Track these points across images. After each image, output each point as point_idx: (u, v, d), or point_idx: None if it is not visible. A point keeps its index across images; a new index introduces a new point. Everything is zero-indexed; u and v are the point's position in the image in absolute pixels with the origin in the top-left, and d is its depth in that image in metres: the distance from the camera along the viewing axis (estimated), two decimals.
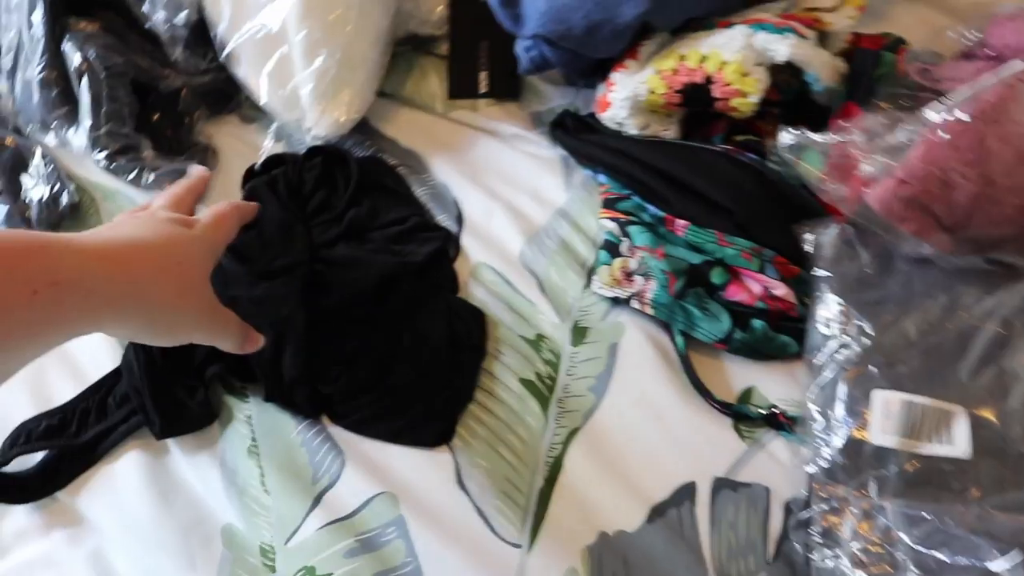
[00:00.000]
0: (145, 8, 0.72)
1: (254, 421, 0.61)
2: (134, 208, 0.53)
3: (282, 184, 0.66)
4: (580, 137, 0.67)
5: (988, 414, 0.49)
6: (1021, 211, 0.50)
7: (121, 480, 0.60)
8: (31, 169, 0.73)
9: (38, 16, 0.70)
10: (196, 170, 0.57)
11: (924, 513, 0.47)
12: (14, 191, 0.72)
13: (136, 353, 0.61)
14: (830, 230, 0.58)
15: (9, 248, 0.37)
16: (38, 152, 0.73)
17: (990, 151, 0.47)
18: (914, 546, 0.46)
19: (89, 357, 0.66)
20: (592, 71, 0.68)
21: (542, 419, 0.59)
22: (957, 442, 0.48)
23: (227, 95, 0.77)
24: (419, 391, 0.59)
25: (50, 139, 0.75)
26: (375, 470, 0.58)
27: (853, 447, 0.51)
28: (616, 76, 0.64)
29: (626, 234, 0.61)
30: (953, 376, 0.50)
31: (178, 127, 0.75)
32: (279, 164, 0.69)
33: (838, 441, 0.51)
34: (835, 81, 0.61)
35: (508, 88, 0.74)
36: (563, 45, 0.63)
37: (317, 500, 0.58)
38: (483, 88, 0.74)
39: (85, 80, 0.69)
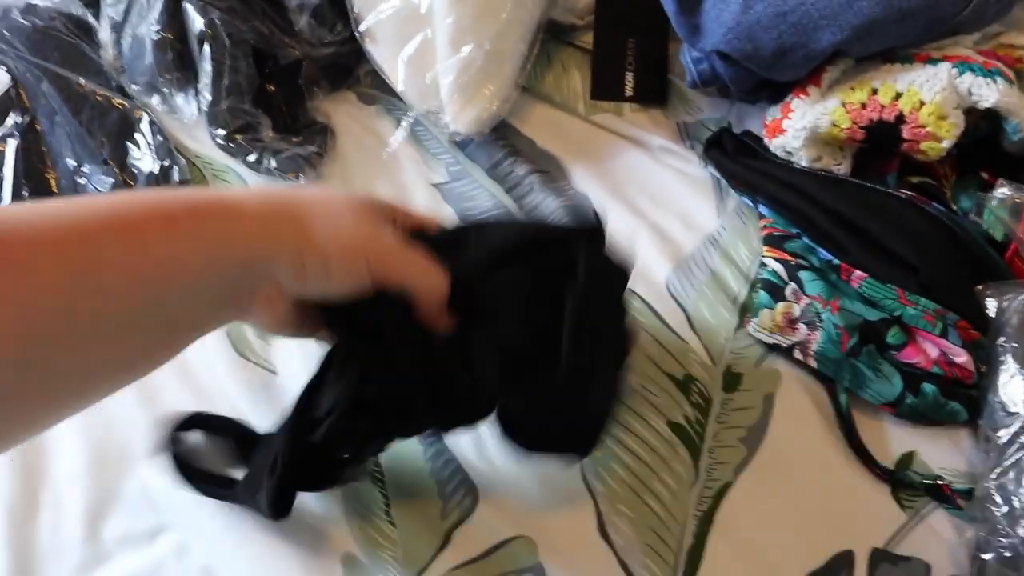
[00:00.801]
0: None
1: None
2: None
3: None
4: (740, 161, 0.64)
5: None
6: None
7: None
8: (138, 137, 0.68)
9: None
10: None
11: None
12: (120, 158, 0.68)
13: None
14: (1019, 296, 0.55)
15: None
16: (145, 119, 0.69)
17: None
18: None
19: (197, 356, 0.63)
20: (757, 89, 0.63)
21: (692, 469, 0.57)
22: None
23: (347, 70, 0.72)
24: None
25: (156, 102, 0.71)
26: (510, 510, 0.56)
27: None
28: (796, 103, 0.60)
29: (794, 279, 0.58)
30: None
31: (294, 102, 0.71)
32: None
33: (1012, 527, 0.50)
34: None
35: (656, 93, 0.70)
36: (744, 64, 0.59)
37: (447, 537, 0.56)
38: (629, 91, 0.70)
39: (207, 48, 0.65)
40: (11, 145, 0.68)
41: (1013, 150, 0.59)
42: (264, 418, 0.60)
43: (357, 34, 0.67)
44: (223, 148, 0.66)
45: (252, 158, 0.65)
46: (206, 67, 0.65)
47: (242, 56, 0.65)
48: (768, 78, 0.60)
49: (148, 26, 0.67)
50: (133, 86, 0.72)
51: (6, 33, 0.71)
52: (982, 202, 0.56)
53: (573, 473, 0.57)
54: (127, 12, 0.69)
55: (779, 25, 0.56)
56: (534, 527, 0.55)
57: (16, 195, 0.66)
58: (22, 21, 0.72)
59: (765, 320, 0.59)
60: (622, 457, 0.57)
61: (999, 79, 0.55)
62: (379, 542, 0.56)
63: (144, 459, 0.59)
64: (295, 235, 0.41)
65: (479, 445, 0.58)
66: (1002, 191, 0.53)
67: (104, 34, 0.73)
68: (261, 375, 0.63)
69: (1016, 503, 0.50)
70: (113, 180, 0.67)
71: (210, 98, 0.65)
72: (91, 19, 0.75)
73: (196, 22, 0.65)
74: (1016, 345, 0.54)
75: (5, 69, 0.70)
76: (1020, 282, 0.55)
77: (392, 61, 0.66)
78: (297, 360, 0.62)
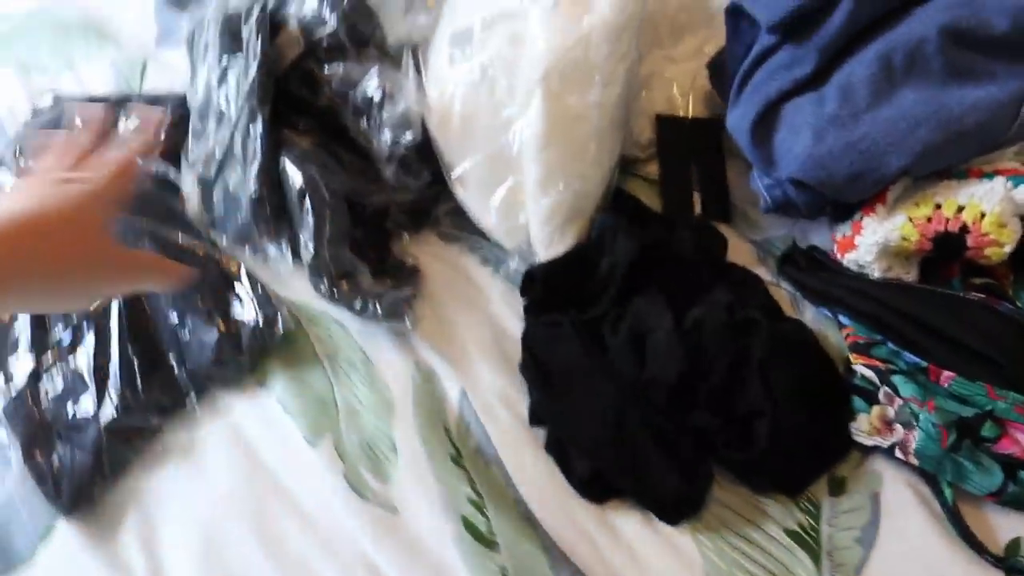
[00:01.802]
0: (364, 126, 0.73)
1: (510, 574, 0.62)
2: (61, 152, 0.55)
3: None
4: (815, 275, 0.70)
5: None
6: None
7: None
8: (238, 289, 0.73)
9: (258, 129, 0.71)
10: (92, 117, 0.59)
11: None
12: (223, 310, 0.72)
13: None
14: None
15: None
16: (243, 270, 0.74)
17: None
18: None
19: (315, 500, 0.66)
20: (822, 208, 0.70)
21: (815, 573, 0.60)
22: None
23: (427, 211, 0.78)
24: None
25: (247, 254, 0.76)
26: None
27: None
28: (866, 221, 0.67)
29: (887, 383, 0.64)
30: None
31: (382, 246, 0.76)
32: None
33: None
34: None
35: (722, 211, 0.76)
36: (818, 190, 0.65)
37: None
38: (697, 209, 0.76)
39: (308, 201, 0.70)
40: (116, 304, 0.72)
41: None
42: (391, 559, 0.63)
43: (449, 181, 0.73)
44: (327, 297, 0.71)
45: (357, 305, 0.70)
46: (308, 220, 0.70)
47: (340, 208, 0.71)
48: (842, 201, 0.66)
49: (245, 183, 0.72)
50: (224, 239, 0.76)
51: None
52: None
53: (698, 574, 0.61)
54: (219, 170, 0.75)
55: (850, 154, 0.64)
56: None
57: (123, 351, 0.70)
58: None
59: (864, 424, 0.64)
60: (748, 567, 0.61)
61: None
62: None
63: None
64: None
65: (612, 562, 0.62)
66: None
67: (189, 189, 0.78)
68: (382, 515, 0.65)
69: None
70: (217, 332, 0.71)
71: (313, 250, 0.70)
72: (173, 176, 0.80)
73: (295, 179, 0.71)
74: None
75: None
76: None
77: (483, 204, 0.72)
78: (418, 495, 0.65)
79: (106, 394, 0.69)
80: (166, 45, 0.98)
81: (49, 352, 0.71)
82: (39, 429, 0.68)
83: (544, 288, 0.71)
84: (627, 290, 0.69)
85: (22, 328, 0.71)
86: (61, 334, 0.71)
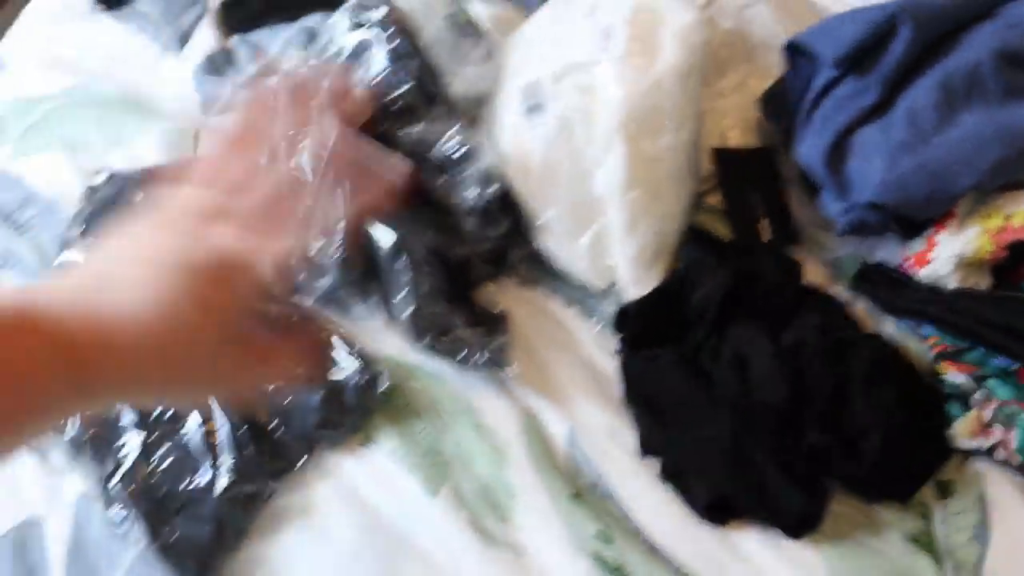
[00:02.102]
0: (442, 182, 0.76)
1: None
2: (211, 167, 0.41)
3: None
4: (893, 290, 0.74)
5: None
6: None
7: None
8: (336, 352, 0.74)
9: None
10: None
11: None
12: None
13: None
14: None
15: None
16: (335, 335, 0.75)
17: None
18: None
19: (443, 550, 0.68)
20: (887, 228, 0.75)
21: (936, 571, 0.63)
22: None
23: (504, 258, 0.81)
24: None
25: (334, 314, 0.77)
26: None
27: None
28: (940, 236, 0.71)
29: (982, 386, 0.68)
30: None
31: (466, 297, 0.78)
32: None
33: None
34: None
35: (790, 235, 0.80)
36: (894, 211, 0.70)
37: None
38: (766, 236, 0.80)
39: (403, 260, 0.72)
40: None
41: None
42: None
43: (533, 230, 0.76)
44: (430, 351, 0.73)
45: (460, 356, 0.72)
46: (403, 279, 0.72)
47: (434, 263, 0.73)
48: (917, 219, 0.71)
49: (328, 248, 0.74)
50: (310, 303, 0.78)
51: None
52: None
53: None
54: None
55: (922, 176, 0.68)
56: None
57: (229, 420, 0.71)
58: None
59: (963, 428, 0.67)
60: (872, 573, 0.64)
61: None
62: None
63: None
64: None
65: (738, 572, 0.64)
66: None
67: None
68: (512, 559, 0.67)
69: None
70: (321, 394, 0.72)
71: (413, 306, 0.72)
72: None
73: (386, 239, 0.73)
74: None
75: None
76: None
77: (570, 249, 0.76)
78: (544, 535, 0.67)
79: (219, 464, 0.69)
80: (210, 112, 1.00)
81: (156, 427, 0.71)
82: (157, 505, 0.68)
83: (638, 324, 0.74)
84: (721, 320, 0.72)
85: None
86: (164, 409, 0.72)
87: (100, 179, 0.90)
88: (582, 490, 0.70)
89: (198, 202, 0.39)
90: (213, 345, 0.37)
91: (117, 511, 0.69)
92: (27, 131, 1.00)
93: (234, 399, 0.44)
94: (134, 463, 0.70)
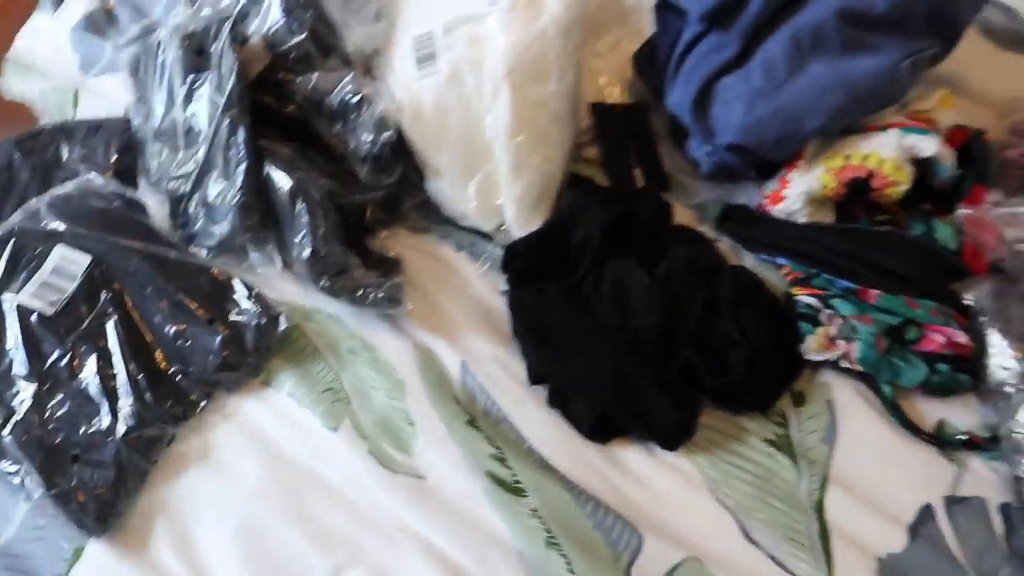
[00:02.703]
0: (339, 129, 0.79)
1: (542, 514, 0.70)
2: None
3: None
4: (751, 227, 0.83)
5: None
6: None
7: None
8: (234, 295, 0.76)
9: (240, 138, 0.76)
10: None
11: None
12: (223, 317, 0.75)
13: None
14: (984, 288, 0.77)
15: None
16: (233, 279, 0.77)
17: None
18: None
19: (346, 480, 0.71)
20: (751, 168, 0.84)
21: (795, 471, 0.72)
22: None
23: (396, 206, 0.85)
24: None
25: (230, 262, 0.80)
26: (671, 538, 0.69)
27: None
28: (791, 175, 0.80)
29: (828, 306, 0.77)
30: None
31: (359, 242, 0.82)
32: None
33: None
34: (956, 169, 0.81)
35: (661, 182, 0.88)
36: (751, 152, 0.78)
37: (627, 574, 0.67)
38: (639, 183, 0.87)
39: (300, 202, 0.75)
40: (111, 322, 0.73)
41: (940, 186, 0.82)
42: (428, 521, 0.69)
43: (427, 175, 0.80)
44: (327, 292, 0.76)
45: (357, 295, 0.76)
46: (302, 221, 0.75)
47: (330, 207, 0.77)
48: (771, 159, 0.80)
49: (227, 192, 0.76)
50: (203, 250, 0.80)
51: (80, 219, 0.77)
52: (932, 224, 0.79)
53: (708, 498, 0.71)
54: (196, 184, 0.78)
55: (775, 120, 0.77)
56: (695, 548, 0.68)
57: (127, 367, 0.72)
58: (91, 204, 0.79)
59: (812, 343, 0.77)
60: (739, 475, 0.72)
61: (931, 135, 0.78)
62: None
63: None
64: None
65: (626, 491, 0.71)
66: (962, 211, 0.76)
67: (155, 207, 0.81)
68: (412, 483, 0.71)
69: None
70: (221, 337, 0.74)
71: (311, 248, 0.75)
72: (131, 195, 0.83)
73: (283, 182, 0.76)
74: (995, 323, 0.75)
75: (84, 251, 0.76)
76: (981, 276, 0.77)
77: (460, 192, 0.80)
78: (442, 460, 0.72)
79: (118, 410, 0.71)
80: (91, 72, 0.98)
81: (49, 377, 0.71)
82: (52, 454, 0.69)
83: (524, 261, 0.80)
84: (601, 256, 0.79)
85: (15, 354, 0.72)
86: (57, 358, 0.72)
87: None
88: (476, 417, 0.75)
89: None
90: None
91: (7, 465, 0.69)
92: None
93: None
94: (25, 413, 0.70)
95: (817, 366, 0.78)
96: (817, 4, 0.78)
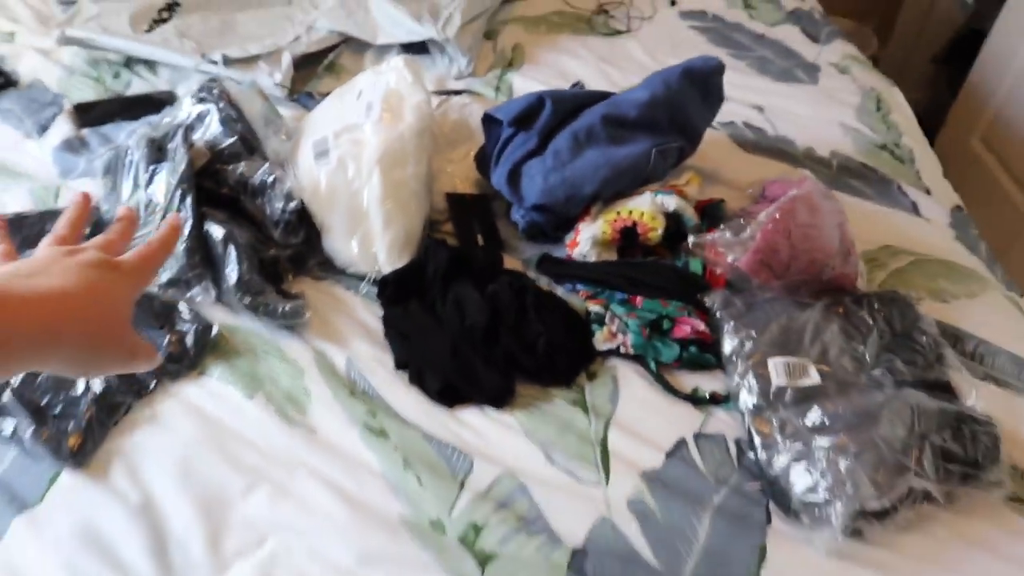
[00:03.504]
0: (259, 201, 1.13)
1: (399, 448, 0.98)
2: (57, 237, 0.60)
3: None
4: (558, 268, 1.18)
5: (823, 366, 1.03)
6: (809, 265, 1.08)
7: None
8: (180, 313, 1.06)
9: (188, 204, 1.09)
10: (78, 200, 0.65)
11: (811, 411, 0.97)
12: (171, 325, 1.05)
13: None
14: (718, 295, 1.12)
15: None
16: (180, 303, 1.08)
17: (790, 232, 1.06)
18: (805, 426, 0.96)
19: (257, 430, 0.99)
20: (556, 229, 1.20)
21: (587, 420, 1.03)
22: (813, 377, 1.01)
23: (303, 261, 1.18)
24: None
25: (177, 294, 1.10)
26: (494, 461, 0.97)
27: (765, 393, 1.01)
28: (582, 227, 1.17)
29: (610, 311, 1.11)
30: (801, 349, 1.04)
31: (274, 283, 1.13)
32: None
33: (756, 397, 1.02)
34: (696, 220, 1.18)
35: (496, 244, 1.23)
36: (550, 210, 1.15)
37: (461, 485, 0.95)
38: (481, 244, 1.23)
39: (232, 248, 1.08)
40: None
41: (690, 231, 1.19)
42: (318, 457, 0.96)
43: (321, 233, 1.14)
44: (249, 308, 1.07)
45: (270, 309, 1.07)
46: (231, 257, 1.07)
47: (251, 251, 1.09)
48: (565, 217, 1.16)
49: (177, 243, 1.08)
50: (155, 287, 1.10)
51: None
52: (686, 254, 1.15)
53: (523, 438, 1.00)
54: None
55: (563, 187, 1.15)
56: (512, 468, 0.97)
57: None
58: None
59: (599, 337, 1.09)
60: (546, 423, 1.02)
61: (674, 195, 1.16)
62: (418, 501, 0.93)
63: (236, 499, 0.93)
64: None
65: (463, 436, 1.00)
66: (692, 239, 1.13)
67: None
68: (307, 433, 0.99)
69: (745, 392, 1.03)
70: (168, 337, 1.03)
71: (237, 275, 1.06)
72: None
73: (218, 233, 1.08)
74: (729, 320, 1.09)
75: None
76: (717, 289, 1.13)
77: (346, 244, 1.14)
78: (329, 417, 1.00)
79: (90, 384, 0.98)
80: (69, 178, 1.32)
81: None
82: (39, 411, 0.95)
83: (393, 288, 1.12)
84: (446, 282, 1.12)
85: None
86: None
87: None
88: (355, 391, 1.04)
89: (56, 249, 0.57)
90: (115, 317, 0.54)
91: (2, 422, 0.95)
92: None
93: (114, 368, 0.57)
94: (19, 383, 0.97)
95: (605, 355, 1.10)
96: (590, 112, 1.19)
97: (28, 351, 0.48)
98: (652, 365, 1.08)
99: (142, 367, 0.58)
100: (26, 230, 1.17)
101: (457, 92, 1.51)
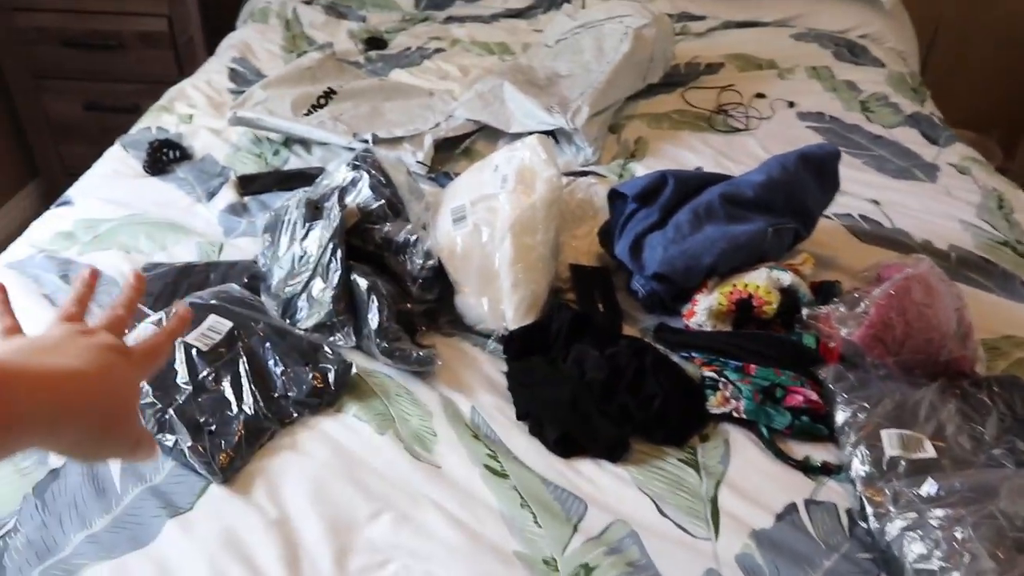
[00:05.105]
0: (401, 259, 1.25)
1: (518, 489, 1.04)
2: (66, 314, 0.61)
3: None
4: (675, 337, 1.24)
5: (938, 442, 1.04)
6: (925, 344, 1.11)
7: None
8: (324, 352, 1.18)
9: (338, 257, 1.22)
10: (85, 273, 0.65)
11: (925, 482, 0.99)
12: (314, 364, 1.16)
13: None
14: (831, 369, 1.15)
15: None
16: (324, 344, 1.19)
17: (905, 310, 1.09)
18: (918, 495, 0.98)
19: (386, 462, 1.07)
20: (674, 300, 1.27)
21: (698, 478, 1.07)
22: (928, 450, 1.03)
23: (435, 317, 1.28)
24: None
25: (320, 338, 1.22)
26: (607, 509, 1.02)
27: (877, 463, 1.03)
28: (699, 298, 1.23)
29: (724, 377, 1.16)
30: (916, 424, 1.06)
31: (408, 334, 1.24)
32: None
33: (868, 466, 1.04)
34: (811, 296, 1.23)
35: (616, 312, 1.31)
36: (669, 280, 1.22)
37: (575, 528, 1.00)
38: (601, 312, 1.31)
39: (375, 298, 1.19)
40: (241, 360, 1.14)
41: (804, 306, 1.24)
42: (441, 491, 1.03)
43: (456, 291, 1.25)
44: (385, 352, 1.17)
45: (404, 354, 1.16)
46: (374, 306, 1.18)
47: (392, 301, 1.20)
48: (683, 287, 1.23)
49: (326, 290, 1.21)
50: (302, 330, 1.22)
51: (226, 303, 1.21)
52: (801, 327, 1.19)
53: (635, 490, 1.05)
54: (304, 287, 1.23)
55: (682, 258, 1.22)
56: (624, 515, 1.01)
57: (250, 385, 1.11)
58: (231, 298, 1.23)
59: (713, 401, 1.14)
60: (658, 478, 1.06)
61: (788, 272, 1.22)
62: (532, 537, 0.99)
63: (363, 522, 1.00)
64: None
65: (577, 483, 1.05)
66: (806, 312, 1.18)
67: (270, 303, 1.25)
68: (431, 468, 1.07)
69: (857, 462, 1.05)
70: (311, 374, 1.14)
71: (377, 323, 1.17)
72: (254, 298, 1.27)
73: (363, 284, 1.20)
74: (842, 393, 1.12)
75: (228, 318, 1.19)
76: (830, 363, 1.16)
77: (478, 301, 1.24)
78: (453, 456, 1.08)
79: (242, 407, 1.09)
80: (231, 236, 1.49)
81: (199, 385, 1.11)
82: (197, 428, 1.06)
83: (518, 344, 1.21)
84: (568, 341, 1.20)
85: (179, 369, 1.12)
86: (205, 375, 1.12)
87: (144, 267, 1.36)
88: (479, 435, 1.12)
89: (68, 327, 0.58)
90: (125, 403, 0.55)
91: (164, 437, 1.06)
92: (93, 239, 1.46)
93: (117, 455, 0.58)
94: (183, 402, 1.08)
95: (718, 419, 1.15)
96: (709, 191, 1.27)
97: (43, 427, 0.48)
98: (764, 431, 1.12)
99: (142, 458, 0.59)
100: (193, 276, 1.32)
101: (584, 173, 1.63)
